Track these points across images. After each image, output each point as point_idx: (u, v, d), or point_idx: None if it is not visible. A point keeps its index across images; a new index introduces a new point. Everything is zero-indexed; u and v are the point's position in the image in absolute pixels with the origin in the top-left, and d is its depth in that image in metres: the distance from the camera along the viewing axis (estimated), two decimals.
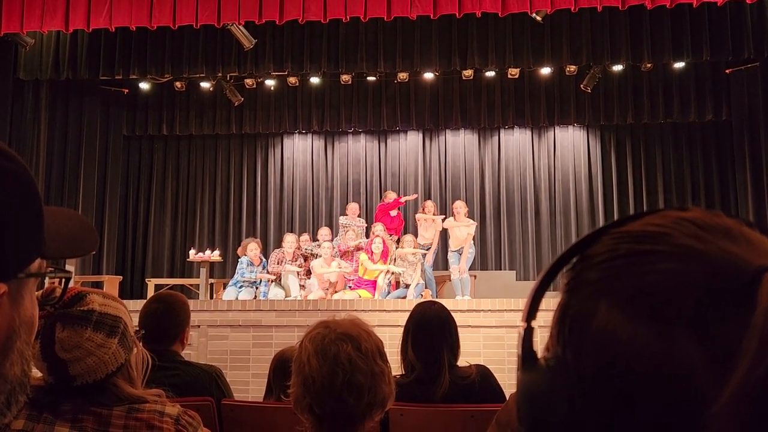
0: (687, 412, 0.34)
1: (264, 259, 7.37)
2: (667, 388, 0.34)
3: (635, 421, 0.35)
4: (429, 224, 7.54)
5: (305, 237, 8.04)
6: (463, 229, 7.25)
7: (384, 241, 6.92)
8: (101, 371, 1.19)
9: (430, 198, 9.17)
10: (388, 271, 6.87)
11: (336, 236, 7.80)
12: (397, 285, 7.13)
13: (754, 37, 7.84)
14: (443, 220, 7.48)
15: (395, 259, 7.06)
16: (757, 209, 8.58)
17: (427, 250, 7.47)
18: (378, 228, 7.31)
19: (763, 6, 7.77)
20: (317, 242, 7.51)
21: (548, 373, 0.40)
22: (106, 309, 1.23)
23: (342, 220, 8.01)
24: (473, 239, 7.40)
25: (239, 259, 7.36)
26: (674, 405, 0.34)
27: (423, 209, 7.69)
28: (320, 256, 7.13)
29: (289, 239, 7.38)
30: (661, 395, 0.34)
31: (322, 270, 6.97)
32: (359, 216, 8.13)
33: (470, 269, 7.34)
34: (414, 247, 7.05)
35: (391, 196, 8.15)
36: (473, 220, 7.66)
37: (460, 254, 7.18)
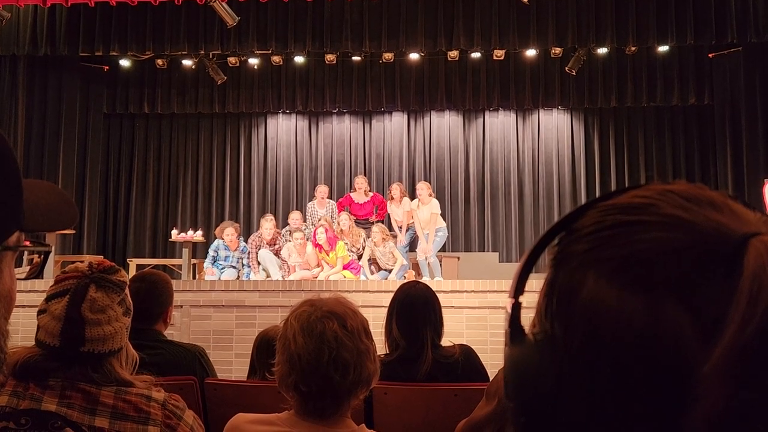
0: (677, 379, 0.34)
1: (244, 244, 7.30)
2: (657, 356, 0.34)
3: (625, 390, 0.35)
4: (398, 206, 7.44)
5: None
6: (425, 210, 7.13)
7: (326, 230, 6.81)
8: (109, 344, 1.20)
9: (399, 180, 9.00)
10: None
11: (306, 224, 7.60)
12: (379, 269, 7.12)
13: (737, 22, 7.88)
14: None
15: (364, 247, 7.04)
16: (736, 193, 8.69)
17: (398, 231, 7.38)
18: (320, 221, 7.17)
19: None
20: (287, 227, 7.40)
21: (536, 346, 0.40)
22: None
23: (309, 209, 7.80)
24: (450, 222, 7.20)
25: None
26: (664, 373, 0.34)
27: (390, 192, 7.57)
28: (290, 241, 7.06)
29: (267, 225, 7.22)
30: (650, 363, 0.35)
31: (294, 261, 6.90)
32: (329, 198, 7.97)
33: (453, 251, 7.31)
34: (383, 237, 6.93)
35: (359, 182, 7.87)
36: (457, 203, 7.60)
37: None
